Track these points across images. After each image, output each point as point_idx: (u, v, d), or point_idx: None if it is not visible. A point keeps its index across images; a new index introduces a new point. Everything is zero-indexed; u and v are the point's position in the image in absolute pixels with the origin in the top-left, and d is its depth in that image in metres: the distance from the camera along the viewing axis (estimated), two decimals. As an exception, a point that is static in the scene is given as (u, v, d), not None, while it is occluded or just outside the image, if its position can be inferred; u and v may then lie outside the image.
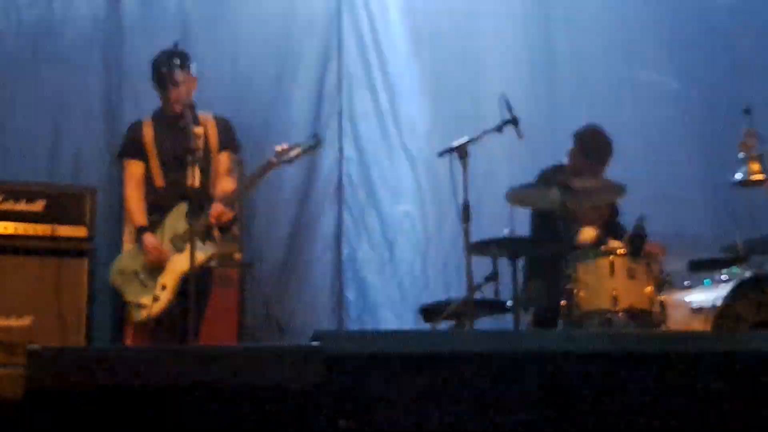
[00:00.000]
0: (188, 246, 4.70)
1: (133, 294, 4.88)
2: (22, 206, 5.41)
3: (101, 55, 6.69)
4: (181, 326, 4.72)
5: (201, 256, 4.79)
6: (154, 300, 4.80)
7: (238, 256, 5.89)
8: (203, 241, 4.88)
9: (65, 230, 5.43)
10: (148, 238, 4.89)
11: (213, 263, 5.04)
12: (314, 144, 5.11)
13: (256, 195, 6.37)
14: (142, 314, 4.83)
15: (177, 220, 4.91)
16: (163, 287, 4.83)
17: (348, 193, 7.13)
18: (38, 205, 5.43)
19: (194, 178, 4.78)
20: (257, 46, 7.12)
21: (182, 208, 4.88)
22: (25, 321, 5.27)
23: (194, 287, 4.58)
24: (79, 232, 5.42)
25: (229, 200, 4.98)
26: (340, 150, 7.15)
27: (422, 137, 7.22)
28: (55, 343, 5.15)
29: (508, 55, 7.51)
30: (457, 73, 7.43)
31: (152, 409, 3.12)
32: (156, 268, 4.88)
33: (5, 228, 5.34)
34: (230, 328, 5.75)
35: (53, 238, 5.40)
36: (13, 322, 5.25)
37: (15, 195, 5.41)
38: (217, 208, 4.87)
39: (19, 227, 5.37)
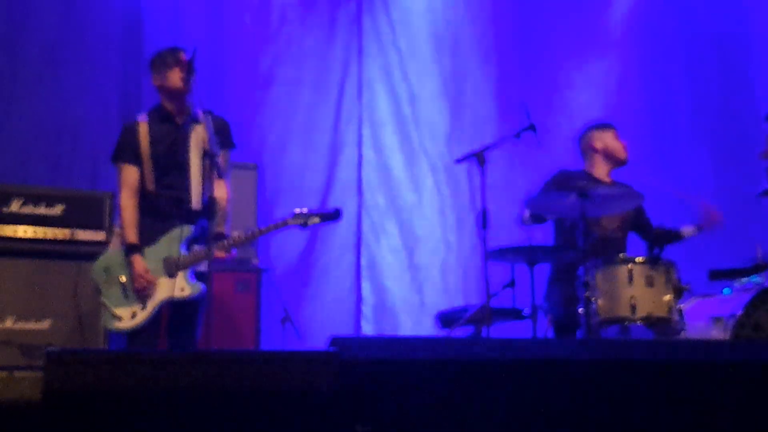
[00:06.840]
0: (178, 274, 4.70)
1: (111, 299, 4.76)
2: (41, 210, 5.42)
3: (119, 60, 6.71)
4: (151, 347, 4.69)
5: (188, 290, 4.74)
6: (132, 316, 4.72)
7: (255, 260, 5.89)
8: (196, 275, 4.78)
9: (84, 234, 5.44)
10: (138, 264, 4.74)
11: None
12: (334, 216, 4.95)
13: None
14: (116, 325, 4.75)
15: (174, 242, 4.77)
16: (143, 307, 4.73)
17: (367, 197, 7.13)
18: (57, 210, 5.44)
19: (196, 197, 4.79)
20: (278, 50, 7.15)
21: (183, 232, 4.75)
22: (44, 324, 5.28)
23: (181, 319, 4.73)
24: (98, 236, 5.42)
25: (229, 246, 4.78)
26: (360, 154, 7.16)
27: (442, 142, 7.21)
28: (73, 346, 5.17)
29: (528, 61, 7.51)
30: (478, 78, 7.43)
31: (169, 413, 3.12)
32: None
33: (24, 232, 5.36)
34: (248, 333, 5.75)
35: (72, 242, 5.41)
36: (31, 325, 5.26)
37: (34, 199, 5.42)
38: (218, 253, 4.69)
39: (38, 231, 5.38)
